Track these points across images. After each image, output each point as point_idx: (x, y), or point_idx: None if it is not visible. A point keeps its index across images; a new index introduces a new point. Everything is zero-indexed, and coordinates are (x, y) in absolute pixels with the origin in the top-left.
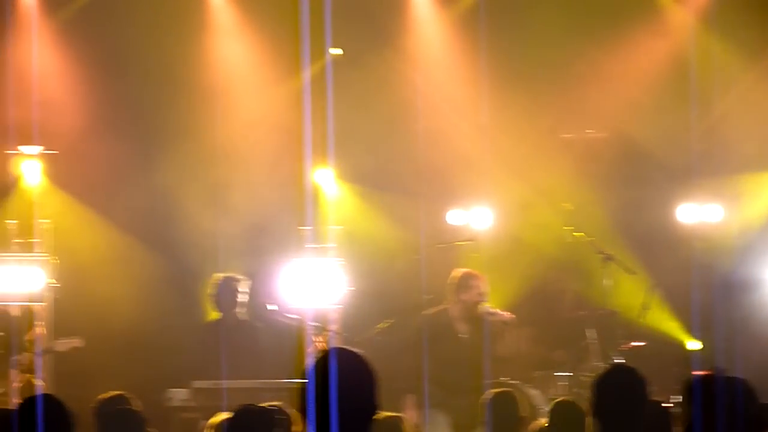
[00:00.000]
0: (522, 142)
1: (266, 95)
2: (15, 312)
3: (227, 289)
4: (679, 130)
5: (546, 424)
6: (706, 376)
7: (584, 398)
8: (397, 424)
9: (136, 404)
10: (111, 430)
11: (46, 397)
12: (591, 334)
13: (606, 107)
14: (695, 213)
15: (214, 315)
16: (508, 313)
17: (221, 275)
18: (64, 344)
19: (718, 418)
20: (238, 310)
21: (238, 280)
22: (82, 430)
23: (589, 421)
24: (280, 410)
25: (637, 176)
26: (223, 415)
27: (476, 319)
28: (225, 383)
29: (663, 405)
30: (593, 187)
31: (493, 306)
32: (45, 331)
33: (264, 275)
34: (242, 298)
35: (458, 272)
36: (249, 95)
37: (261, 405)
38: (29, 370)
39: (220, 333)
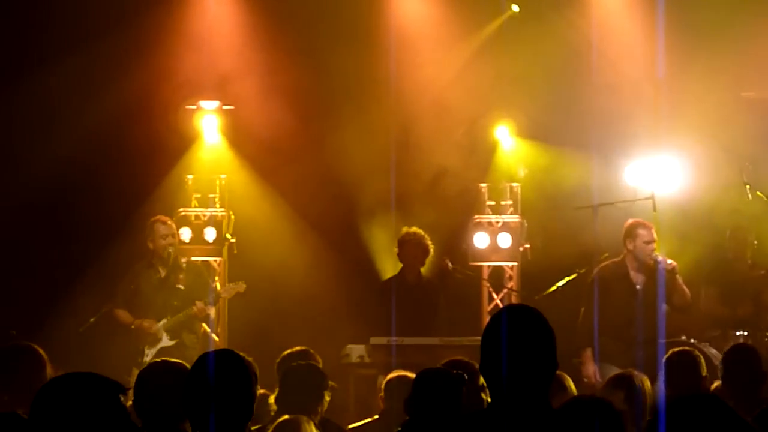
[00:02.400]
0: (702, 99)
1: (445, 53)
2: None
3: (410, 245)
4: None
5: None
6: None
7: (763, 358)
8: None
9: (318, 360)
10: (294, 384)
11: (225, 352)
12: None
13: None
14: None
15: (393, 270)
16: (672, 262)
17: (406, 231)
18: (229, 290)
19: None
20: (419, 262)
21: (422, 237)
22: (262, 384)
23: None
24: (463, 364)
25: None
26: (400, 372)
27: (650, 270)
28: (403, 340)
29: None
30: None
31: (660, 254)
32: (219, 286)
33: (444, 232)
34: (424, 250)
35: (628, 222)
36: (428, 53)
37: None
38: (206, 323)
39: (400, 289)
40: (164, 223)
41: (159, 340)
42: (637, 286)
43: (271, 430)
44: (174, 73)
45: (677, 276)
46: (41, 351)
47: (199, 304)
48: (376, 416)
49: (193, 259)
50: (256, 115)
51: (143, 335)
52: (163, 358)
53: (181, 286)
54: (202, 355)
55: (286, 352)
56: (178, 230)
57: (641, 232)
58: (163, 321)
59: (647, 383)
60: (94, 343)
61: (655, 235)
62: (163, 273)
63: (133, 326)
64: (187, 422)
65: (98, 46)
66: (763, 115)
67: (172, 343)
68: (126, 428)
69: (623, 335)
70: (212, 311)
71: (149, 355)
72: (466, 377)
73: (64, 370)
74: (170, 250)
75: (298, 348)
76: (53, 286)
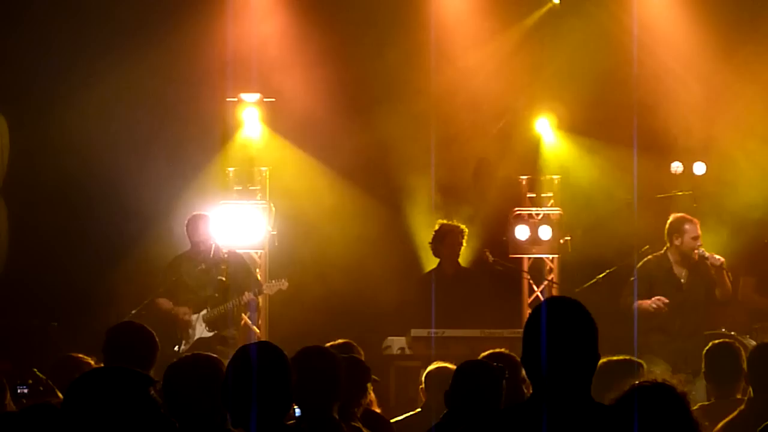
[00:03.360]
0: (744, 90)
1: (485, 45)
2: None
3: (448, 237)
4: None
5: None
6: None
7: None
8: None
9: (360, 352)
10: None
11: (264, 345)
12: None
13: None
14: None
15: (432, 263)
16: (720, 257)
17: (444, 223)
18: (271, 287)
19: None
20: (456, 255)
21: (456, 226)
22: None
23: None
24: (504, 356)
25: None
26: (441, 364)
27: (693, 264)
28: (443, 332)
29: None
30: None
31: (708, 250)
32: (261, 277)
33: (485, 225)
34: (461, 242)
35: (673, 217)
36: (468, 46)
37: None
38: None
39: (440, 281)
40: (202, 218)
41: (194, 330)
42: (681, 280)
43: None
44: (216, 65)
45: (724, 271)
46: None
47: (248, 294)
48: (418, 409)
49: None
50: (298, 108)
51: (181, 324)
52: (195, 352)
53: (223, 278)
54: (243, 346)
55: (327, 344)
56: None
57: (688, 227)
58: (204, 312)
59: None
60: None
61: (700, 231)
62: (204, 265)
63: (172, 312)
64: (219, 415)
65: (139, 38)
66: None
67: (210, 334)
68: (157, 421)
69: (668, 328)
70: (259, 299)
71: (186, 344)
72: (507, 370)
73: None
74: (211, 243)
75: (340, 340)
76: (91, 275)
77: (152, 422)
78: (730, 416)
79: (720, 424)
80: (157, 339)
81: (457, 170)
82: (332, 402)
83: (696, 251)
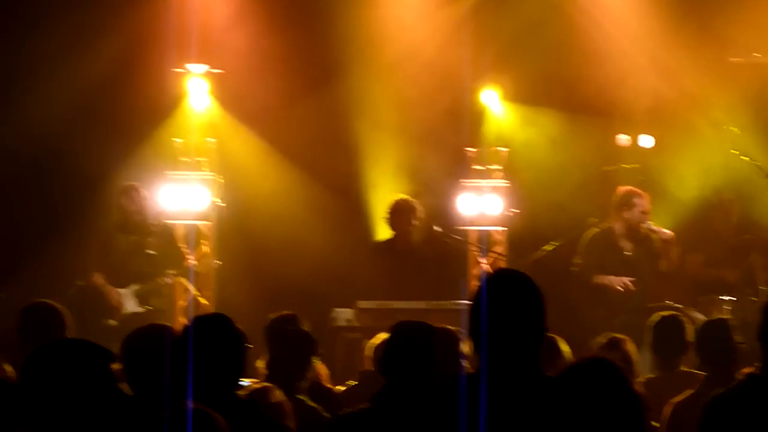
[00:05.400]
0: (691, 65)
1: (431, 17)
2: (181, 231)
3: (401, 213)
4: None
5: None
6: None
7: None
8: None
9: (306, 324)
10: (282, 349)
11: (216, 316)
12: (756, 258)
13: None
14: None
15: (385, 235)
16: (669, 231)
17: (398, 198)
18: (203, 265)
19: None
20: (410, 230)
21: (413, 204)
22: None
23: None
24: (446, 331)
25: None
26: (385, 336)
27: (639, 238)
28: (390, 304)
29: None
30: (762, 112)
31: (656, 224)
32: (209, 250)
33: (431, 197)
34: (415, 218)
35: (621, 190)
36: (413, 19)
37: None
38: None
39: (391, 254)
40: (135, 189)
41: (126, 304)
42: (626, 253)
43: None
44: (161, 35)
45: (672, 245)
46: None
47: (170, 276)
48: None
49: (167, 222)
50: (245, 80)
51: (113, 299)
52: (151, 323)
53: (152, 251)
54: (193, 318)
55: (273, 316)
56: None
57: (637, 201)
58: (133, 287)
59: (633, 348)
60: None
61: (649, 205)
62: (133, 238)
63: (105, 287)
64: (177, 388)
65: (82, 7)
66: (751, 80)
67: (142, 309)
68: (115, 395)
69: (612, 302)
70: (185, 282)
71: (118, 319)
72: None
73: None
74: (144, 215)
75: (286, 312)
76: (36, 247)
77: (110, 398)
78: (684, 395)
79: (674, 402)
80: (66, 319)
81: (407, 143)
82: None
83: (644, 225)
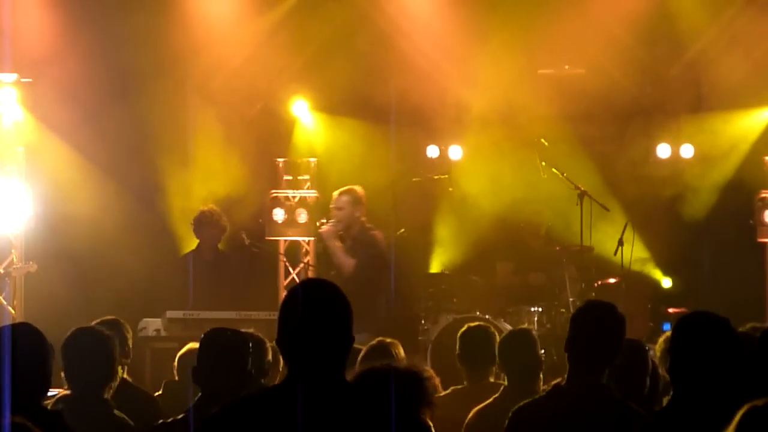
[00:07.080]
0: (500, 76)
1: (241, 29)
2: None
3: (206, 226)
4: (657, 66)
5: None
6: (688, 314)
7: (557, 333)
8: (387, 349)
9: (128, 330)
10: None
11: (22, 325)
12: (566, 269)
13: (584, 42)
14: (671, 151)
15: (192, 245)
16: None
17: (204, 209)
18: (19, 270)
19: (700, 356)
20: (216, 241)
21: (218, 216)
22: (58, 358)
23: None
24: (254, 338)
25: (615, 113)
26: (195, 345)
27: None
28: (199, 314)
29: (639, 342)
30: (570, 123)
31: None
32: (16, 258)
33: (241, 207)
34: (221, 229)
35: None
36: (224, 30)
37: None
38: None
39: (198, 264)
40: None
41: None
42: None
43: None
44: None
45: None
46: None
47: None
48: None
49: None
50: (57, 90)
51: None
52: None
53: None
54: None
55: (94, 322)
56: None
57: None
58: None
59: (401, 351)
60: None
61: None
62: None
63: None
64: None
65: None
66: (560, 92)
67: None
68: None
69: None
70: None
71: None
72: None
73: None
74: None
75: (108, 317)
76: None
77: None
78: (485, 403)
79: (474, 411)
80: None
81: (215, 154)
82: (104, 383)
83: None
